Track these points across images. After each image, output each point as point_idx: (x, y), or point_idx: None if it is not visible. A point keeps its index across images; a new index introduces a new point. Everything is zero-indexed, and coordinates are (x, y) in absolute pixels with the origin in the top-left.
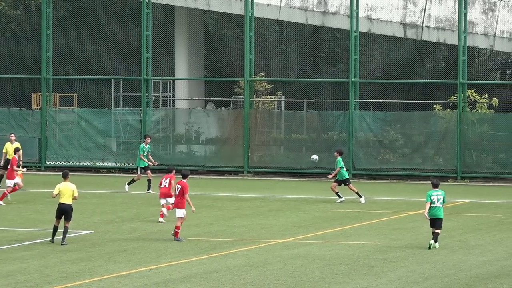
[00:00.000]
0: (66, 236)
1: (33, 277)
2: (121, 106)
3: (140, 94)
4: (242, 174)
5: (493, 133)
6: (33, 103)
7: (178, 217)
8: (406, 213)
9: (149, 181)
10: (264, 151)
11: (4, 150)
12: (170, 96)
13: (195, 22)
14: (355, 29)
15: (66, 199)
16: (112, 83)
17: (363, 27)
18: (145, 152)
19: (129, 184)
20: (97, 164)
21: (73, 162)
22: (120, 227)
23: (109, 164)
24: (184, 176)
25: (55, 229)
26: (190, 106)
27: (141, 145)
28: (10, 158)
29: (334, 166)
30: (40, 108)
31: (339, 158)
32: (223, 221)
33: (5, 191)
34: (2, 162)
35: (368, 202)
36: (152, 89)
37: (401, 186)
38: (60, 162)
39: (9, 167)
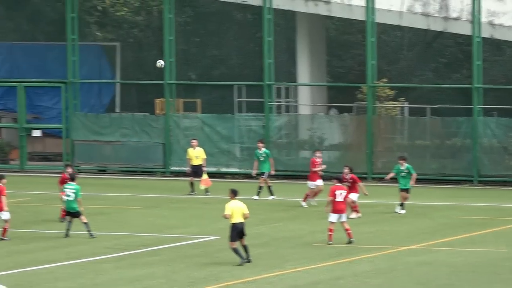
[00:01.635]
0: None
1: (160, 282)
2: (244, 111)
3: (262, 99)
4: (366, 180)
5: None
6: (156, 108)
7: (345, 221)
8: None
9: (268, 187)
10: (388, 157)
11: (188, 157)
12: (292, 102)
13: (317, 27)
14: (477, 35)
15: (239, 218)
16: (235, 89)
17: (485, 33)
18: (261, 158)
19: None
20: (221, 170)
21: None
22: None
23: (233, 169)
24: (340, 181)
25: (237, 250)
26: (312, 111)
27: (256, 150)
28: (195, 164)
29: (459, 172)
30: (163, 114)
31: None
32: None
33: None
34: (189, 168)
35: (494, 209)
36: (274, 94)
37: None
38: (185, 167)
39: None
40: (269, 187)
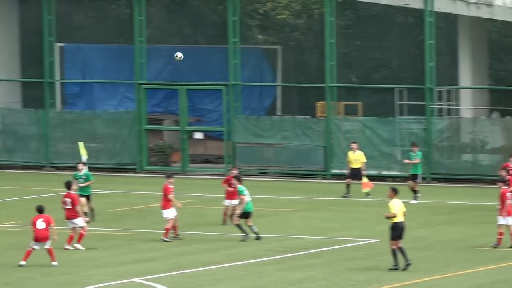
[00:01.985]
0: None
1: (321, 285)
2: (405, 114)
3: (424, 103)
4: None
5: None
6: (317, 111)
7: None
8: None
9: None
10: None
11: (347, 159)
12: (454, 105)
13: (479, 30)
14: None
15: (401, 217)
16: (396, 92)
17: None
18: (416, 159)
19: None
20: (382, 172)
21: None
22: (406, 236)
23: (394, 172)
24: (506, 183)
25: (395, 252)
26: (474, 115)
27: (409, 153)
28: (354, 167)
29: None
30: (324, 117)
31: None
32: None
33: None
34: (348, 171)
35: None
36: (436, 97)
37: None
38: (345, 170)
39: None
40: (412, 189)
